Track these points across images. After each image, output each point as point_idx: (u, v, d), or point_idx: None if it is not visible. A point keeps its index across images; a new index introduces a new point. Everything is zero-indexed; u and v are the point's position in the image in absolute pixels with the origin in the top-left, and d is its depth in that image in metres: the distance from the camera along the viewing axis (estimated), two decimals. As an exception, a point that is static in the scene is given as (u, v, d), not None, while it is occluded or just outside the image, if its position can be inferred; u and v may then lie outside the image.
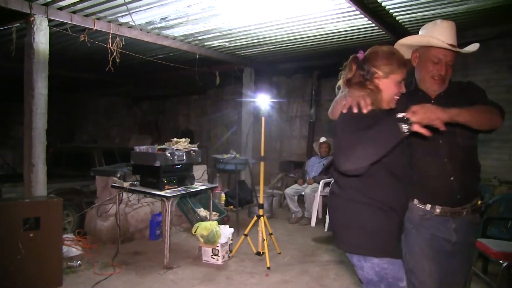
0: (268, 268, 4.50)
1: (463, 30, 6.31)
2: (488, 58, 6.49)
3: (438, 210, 2.11)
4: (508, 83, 6.31)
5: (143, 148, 4.91)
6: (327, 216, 6.28)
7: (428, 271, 2.12)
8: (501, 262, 3.44)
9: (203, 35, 5.92)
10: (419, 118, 1.74)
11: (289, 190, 6.96)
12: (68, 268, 4.27)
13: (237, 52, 7.09)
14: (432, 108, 1.77)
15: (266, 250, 4.65)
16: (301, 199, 6.98)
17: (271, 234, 5.06)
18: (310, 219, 6.61)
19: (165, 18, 5.09)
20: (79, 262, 4.43)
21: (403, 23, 5.44)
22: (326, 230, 6.22)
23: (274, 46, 6.61)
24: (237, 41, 6.28)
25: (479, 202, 2.18)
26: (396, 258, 1.98)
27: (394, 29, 5.49)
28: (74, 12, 4.80)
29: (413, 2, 4.70)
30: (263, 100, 4.82)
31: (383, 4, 4.74)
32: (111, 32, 5.12)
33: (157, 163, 4.57)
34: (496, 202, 4.72)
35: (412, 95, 2.15)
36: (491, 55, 6.47)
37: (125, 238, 5.29)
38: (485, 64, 6.50)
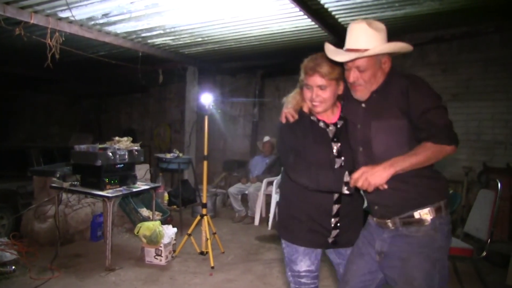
0: (212, 267, 4.53)
1: (401, 34, 6.65)
2: (424, 61, 6.86)
3: (374, 218, 2.14)
4: (442, 86, 6.68)
5: (83, 147, 4.78)
6: (270, 215, 6.41)
7: (351, 270, 2.19)
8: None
9: (146, 33, 5.82)
10: (361, 186, 1.88)
11: (232, 189, 7.00)
12: (1, 274, 4.07)
13: (180, 51, 7.03)
14: (374, 173, 1.83)
15: (209, 250, 4.67)
16: (244, 198, 7.04)
17: (214, 233, 5.08)
18: (253, 218, 6.69)
19: (107, 14, 4.95)
20: (13, 267, 4.22)
21: (345, 25, 5.61)
22: (269, 228, 6.32)
23: (218, 45, 6.61)
24: (181, 39, 6.23)
25: (419, 215, 1.94)
26: (288, 241, 2.39)
27: (336, 30, 5.65)
28: (7, 3, 4.55)
29: (354, 5, 4.87)
30: (206, 99, 4.82)
31: (325, 6, 4.87)
32: (50, 26, 4.90)
33: (98, 163, 4.47)
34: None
35: (348, 99, 2.20)
36: (426, 58, 6.85)
37: (64, 240, 5.11)
38: (421, 67, 6.86)
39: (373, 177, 1.82)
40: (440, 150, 1.86)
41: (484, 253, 3.67)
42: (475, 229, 3.87)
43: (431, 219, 1.93)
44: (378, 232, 2.09)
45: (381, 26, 2.03)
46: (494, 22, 6.09)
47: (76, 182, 4.79)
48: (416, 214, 1.95)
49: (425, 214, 1.94)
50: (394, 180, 1.85)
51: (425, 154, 1.84)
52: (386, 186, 1.84)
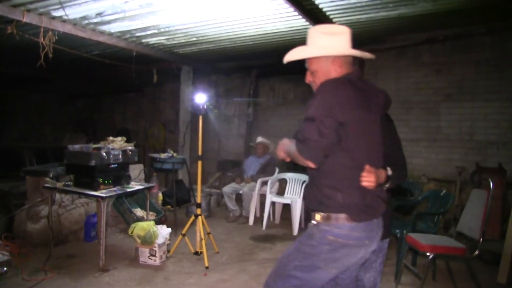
0: (207, 267, 4.53)
1: (396, 34, 6.70)
2: (418, 62, 6.92)
3: None
4: (436, 86, 6.76)
5: (77, 147, 4.76)
6: (265, 215, 6.42)
7: None
8: (427, 254, 3.69)
9: (140, 32, 5.80)
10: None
11: (227, 189, 7.00)
12: (-7, 276, 4.03)
13: (175, 50, 7.02)
14: (280, 145, 2.17)
15: (204, 250, 4.66)
16: (239, 198, 7.04)
17: (209, 233, 5.07)
18: (248, 218, 6.70)
19: (101, 13, 4.94)
20: (5, 268, 4.17)
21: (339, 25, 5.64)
22: (264, 228, 6.33)
23: (212, 45, 6.61)
24: (176, 39, 6.22)
25: (318, 216, 2.08)
26: None
27: (331, 31, 5.66)
28: (0, 1, 4.53)
29: (349, 6, 4.88)
30: (201, 99, 4.82)
31: (320, 6, 4.88)
32: (43, 25, 4.87)
33: (92, 163, 4.45)
34: (425, 198, 5.01)
35: None
36: (420, 59, 6.90)
37: (58, 241, 5.09)
38: (415, 67, 6.92)
39: (278, 149, 2.18)
40: (297, 156, 1.99)
41: (477, 252, 3.71)
42: (468, 228, 3.89)
43: (318, 222, 2.07)
44: None
45: (332, 30, 2.12)
46: (486, 24, 6.15)
47: (69, 182, 4.76)
48: (313, 215, 2.11)
49: (317, 216, 2.07)
50: (310, 184, 2.15)
51: (292, 150, 2.01)
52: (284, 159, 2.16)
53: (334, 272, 2.09)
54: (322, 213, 2.04)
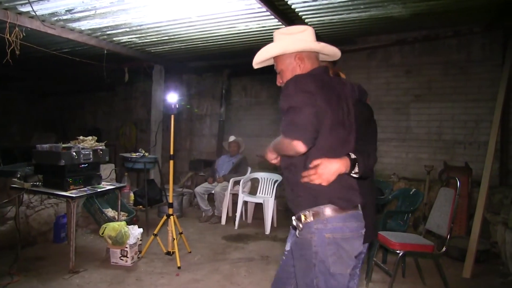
0: (179, 267, 4.50)
1: (367, 35, 6.82)
2: (388, 63, 7.05)
3: None
4: (405, 86, 6.91)
5: (46, 146, 4.65)
6: (237, 214, 6.43)
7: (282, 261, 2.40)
8: (397, 252, 3.77)
9: (111, 30, 5.72)
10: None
11: (199, 189, 6.97)
12: (-44, 280, 3.91)
13: (147, 49, 6.96)
14: (266, 150, 2.18)
15: (176, 250, 4.64)
16: (211, 198, 7.02)
17: (181, 233, 5.05)
18: (220, 218, 6.69)
19: (71, 10, 4.84)
20: (-31, 272, 4.06)
21: (311, 26, 5.67)
22: (236, 228, 6.33)
23: (185, 44, 6.58)
24: (147, 37, 6.16)
25: (304, 217, 1.98)
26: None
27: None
28: (-41, -6, 4.38)
29: (321, 7, 4.94)
30: (173, 98, 4.79)
31: (293, 6, 4.92)
32: (9, 21, 4.73)
33: (62, 162, 4.36)
34: (395, 197, 5.11)
35: None
36: (390, 60, 7.04)
37: (26, 243, 4.96)
38: (385, 68, 7.06)
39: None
40: (286, 149, 1.91)
41: (444, 249, 3.81)
42: (436, 226, 3.99)
43: (307, 223, 1.96)
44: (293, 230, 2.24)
45: (293, 30, 2.15)
46: (452, 27, 6.33)
47: (38, 183, 4.65)
48: (298, 216, 2.01)
49: (303, 216, 1.98)
50: (287, 185, 2.07)
51: (277, 145, 2.02)
52: (273, 162, 2.19)
53: (349, 272, 1.99)
54: (307, 212, 1.96)
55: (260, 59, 2.18)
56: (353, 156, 1.98)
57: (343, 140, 2.01)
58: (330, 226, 1.93)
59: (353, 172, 1.98)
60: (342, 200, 1.96)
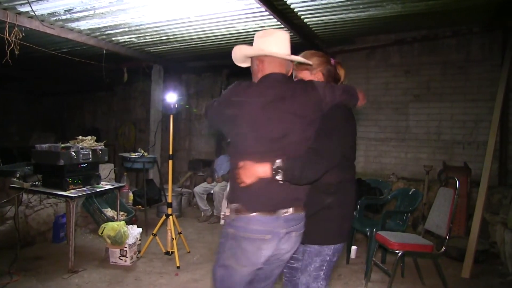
0: (178, 267, 4.50)
1: (366, 35, 6.83)
2: (387, 63, 7.05)
3: None
4: (404, 86, 6.91)
5: (45, 146, 4.65)
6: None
7: None
8: (396, 252, 3.78)
9: (110, 30, 5.72)
10: None
11: (198, 189, 6.97)
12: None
13: (146, 49, 6.95)
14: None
15: (175, 250, 4.64)
16: (210, 198, 7.02)
17: (180, 233, 5.05)
18: (219, 217, 6.68)
19: (70, 10, 4.83)
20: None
21: (310, 25, 5.68)
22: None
23: (183, 44, 6.57)
24: (146, 37, 6.16)
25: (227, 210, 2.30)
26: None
27: (302, 30, 5.71)
28: (-41, -6, 4.37)
29: (320, 6, 4.94)
30: (172, 98, 4.79)
31: (291, 6, 4.92)
32: (8, 21, 4.73)
33: (61, 162, 4.36)
34: (394, 197, 5.11)
35: None
36: (389, 60, 7.04)
37: (25, 243, 4.95)
38: (384, 68, 7.06)
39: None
40: None
41: (443, 249, 3.82)
42: (435, 226, 4.00)
43: (226, 216, 2.21)
44: None
45: (267, 33, 2.26)
46: (451, 26, 6.34)
47: (37, 182, 4.65)
48: None
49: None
50: None
51: None
52: None
53: (245, 271, 2.13)
54: (230, 205, 2.16)
55: (234, 58, 2.37)
56: (278, 163, 2.00)
57: (267, 146, 2.06)
58: (235, 224, 2.10)
59: (277, 178, 2.01)
60: (252, 203, 2.07)
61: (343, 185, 2.32)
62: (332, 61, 2.45)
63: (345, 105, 2.27)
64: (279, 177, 2.00)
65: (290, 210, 2.09)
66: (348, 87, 2.30)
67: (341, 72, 2.49)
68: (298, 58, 2.30)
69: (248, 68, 2.39)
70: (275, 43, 2.19)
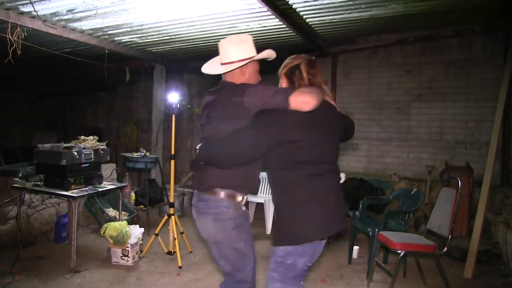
0: (180, 267, 4.51)
1: (368, 35, 6.81)
2: (389, 63, 7.05)
3: None
4: (406, 86, 6.90)
5: (47, 146, 4.66)
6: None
7: None
8: (398, 252, 3.77)
9: (112, 30, 5.72)
10: None
11: (200, 189, 6.94)
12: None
13: (148, 49, 6.95)
14: None
15: (177, 249, 4.64)
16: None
17: (182, 233, 5.05)
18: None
19: (72, 10, 4.84)
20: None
21: (312, 25, 5.68)
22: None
23: (185, 44, 6.57)
24: (148, 37, 6.16)
25: None
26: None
27: (304, 30, 5.71)
28: (-38, -5, 4.37)
29: (322, 6, 4.93)
30: (174, 98, 4.79)
31: (294, 6, 4.91)
32: (10, 21, 4.74)
33: (63, 162, 4.37)
34: (396, 197, 5.09)
35: None
36: (391, 59, 7.03)
37: (27, 242, 4.96)
38: (386, 68, 7.05)
39: None
40: None
41: (445, 249, 3.81)
42: (437, 226, 3.99)
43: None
44: None
45: (235, 40, 2.59)
46: (453, 26, 6.33)
47: (39, 182, 4.66)
48: None
49: None
50: None
51: None
52: None
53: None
54: None
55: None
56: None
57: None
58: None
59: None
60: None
61: (294, 185, 2.19)
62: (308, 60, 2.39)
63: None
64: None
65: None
66: (283, 90, 2.43)
67: (307, 73, 2.38)
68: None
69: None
70: (236, 52, 2.57)
